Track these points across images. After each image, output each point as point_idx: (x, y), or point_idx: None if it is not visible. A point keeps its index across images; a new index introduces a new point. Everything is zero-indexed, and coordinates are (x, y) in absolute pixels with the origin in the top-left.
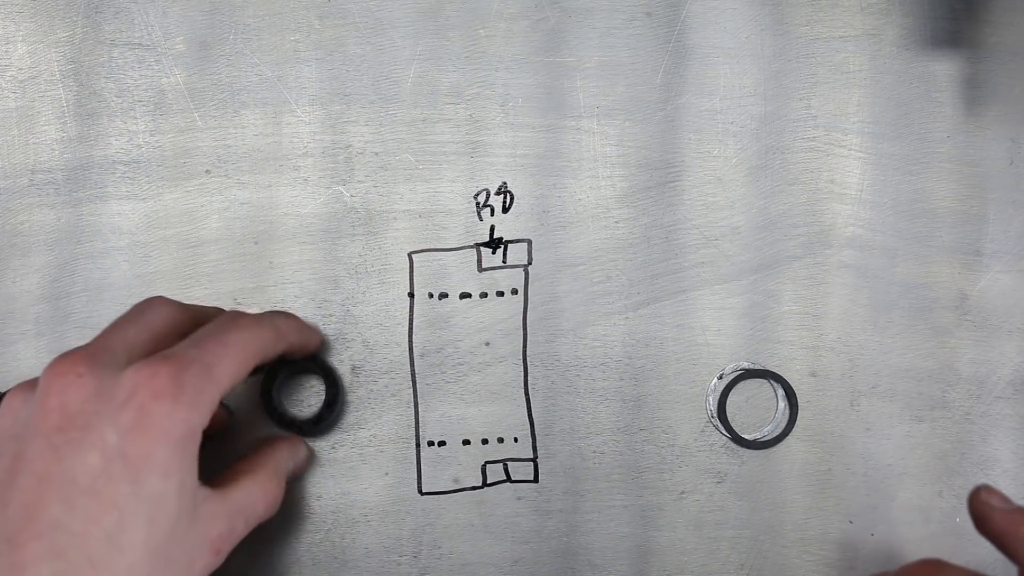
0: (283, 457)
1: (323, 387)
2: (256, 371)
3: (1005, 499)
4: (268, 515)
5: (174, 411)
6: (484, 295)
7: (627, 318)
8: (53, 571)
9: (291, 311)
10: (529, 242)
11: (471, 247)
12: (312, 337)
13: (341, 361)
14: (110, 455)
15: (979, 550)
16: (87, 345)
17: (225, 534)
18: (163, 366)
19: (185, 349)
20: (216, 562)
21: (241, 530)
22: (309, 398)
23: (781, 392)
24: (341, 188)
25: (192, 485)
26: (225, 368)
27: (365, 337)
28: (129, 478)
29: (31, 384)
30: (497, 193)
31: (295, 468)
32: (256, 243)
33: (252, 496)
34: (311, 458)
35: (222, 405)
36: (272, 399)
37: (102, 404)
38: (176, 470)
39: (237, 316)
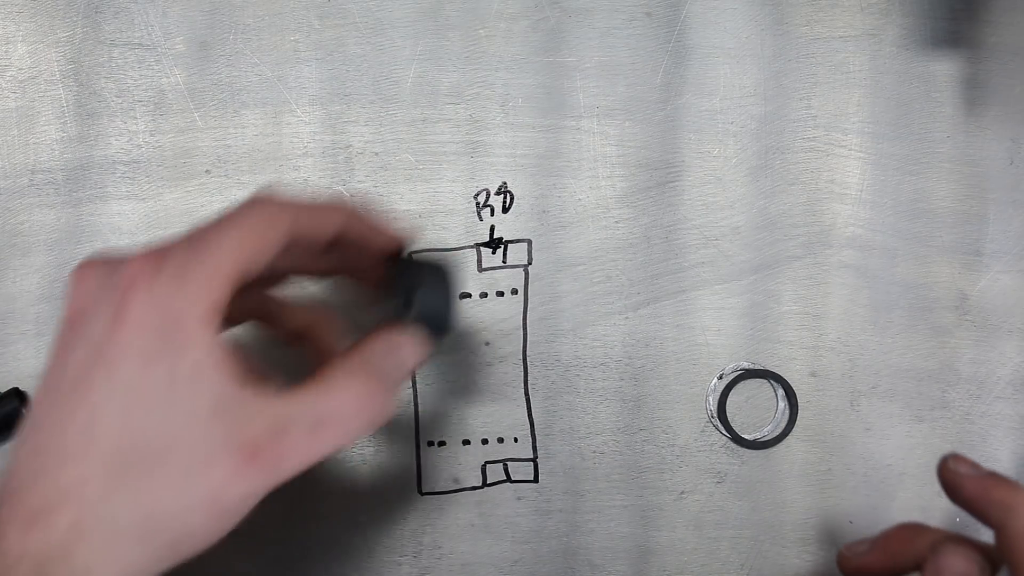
0: (378, 352)
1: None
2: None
3: (974, 465)
4: (355, 425)
5: (150, 296)
6: (484, 295)
7: (627, 318)
8: (32, 470)
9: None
10: (529, 242)
11: (471, 247)
12: (387, 230)
13: None
14: (93, 348)
15: None
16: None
17: (267, 438)
18: (147, 251)
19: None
20: (252, 472)
21: (309, 436)
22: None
23: (781, 392)
24: (341, 188)
25: (203, 377)
26: (225, 243)
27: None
28: (104, 369)
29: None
30: (497, 193)
31: (398, 364)
32: None
33: (321, 398)
34: (419, 353)
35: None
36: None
37: (101, 297)
38: (160, 359)
39: (262, 192)
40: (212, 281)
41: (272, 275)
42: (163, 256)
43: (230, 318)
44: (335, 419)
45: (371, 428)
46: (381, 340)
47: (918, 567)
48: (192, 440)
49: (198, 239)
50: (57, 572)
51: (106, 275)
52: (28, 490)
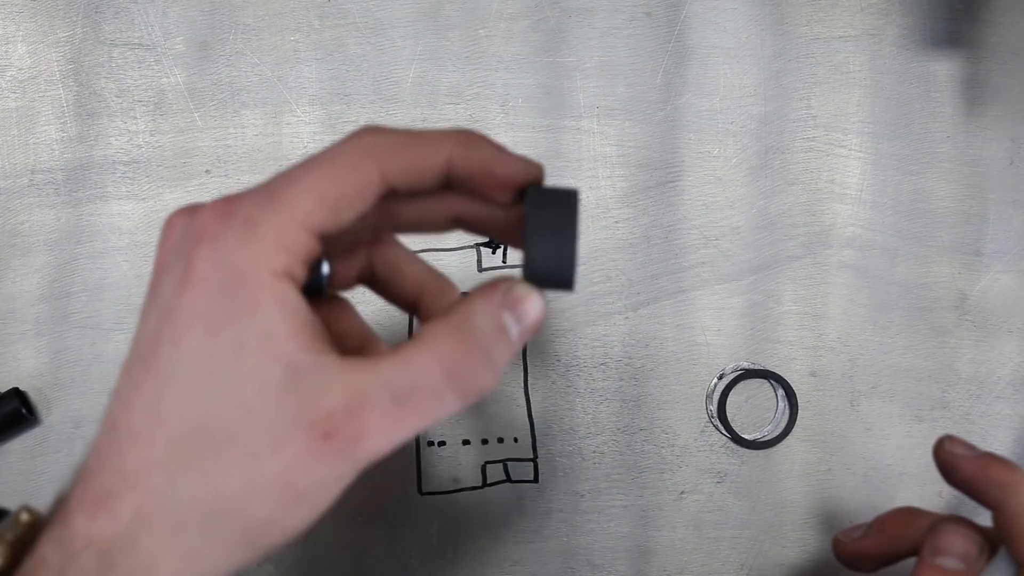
0: (478, 312)
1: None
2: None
3: (970, 446)
4: (445, 399)
5: (213, 251)
6: None
7: (627, 318)
8: (103, 449)
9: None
10: None
11: (471, 247)
12: (508, 161)
13: None
14: (163, 312)
15: None
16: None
17: (343, 414)
18: (219, 201)
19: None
20: (327, 453)
21: (391, 411)
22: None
23: (781, 392)
24: None
25: (272, 344)
26: (301, 190)
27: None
28: (171, 338)
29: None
30: None
31: (502, 326)
32: None
33: (406, 368)
34: (533, 313)
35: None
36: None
37: (177, 253)
38: (226, 325)
39: (362, 129)
40: (284, 234)
41: (377, 228)
42: (232, 205)
43: (335, 282)
44: (421, 392)
45: (465, 403)
46: (483, 297)
47: (915, 551)
48: (261, 418)
49: (274, 186)
50: (121, 563)
51: (187, 226)
52: (98, 471)
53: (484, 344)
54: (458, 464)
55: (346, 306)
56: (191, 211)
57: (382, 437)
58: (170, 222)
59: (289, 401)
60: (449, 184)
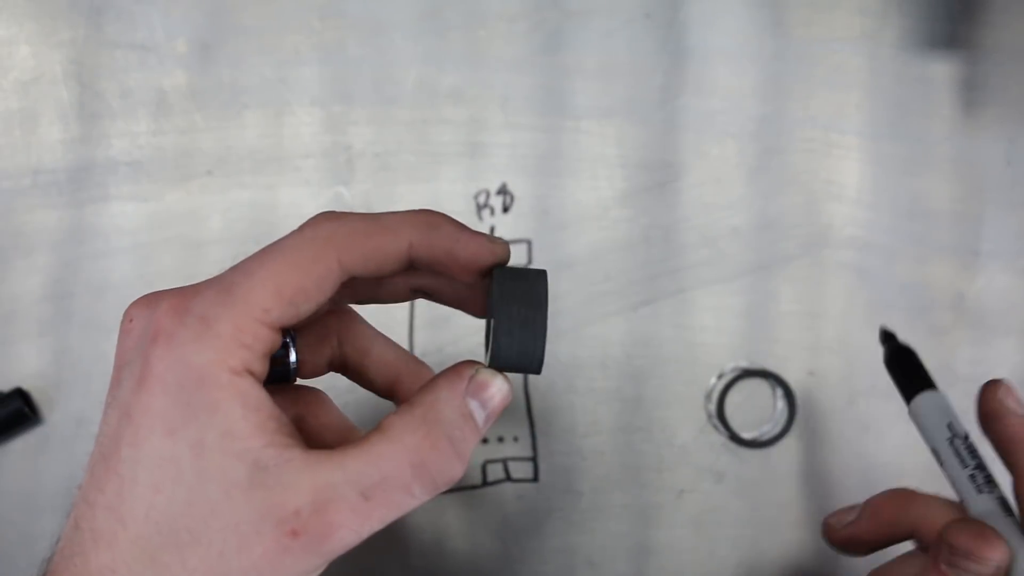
0: (443, 398)
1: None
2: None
3: (1021, 403)
4: (412, 491)
5: (168, 352)
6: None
7: (627, 318)
8: (68, 549)
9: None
10: (529, 242)
11: None
12: (470, 244)
13: None
14: (122, 412)
15: None
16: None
17: (310, 511)
18: (175, 295)
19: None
20: (295, 550)
21: (359, 506)
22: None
23: (780, 391)
24: (342, 188)
25: (235, 443)
26: (258, 283)
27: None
28: (130, 439)
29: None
30: (497, 193)
31: (468, 413)
32: (258, 243)
33: (373, 461)
34: (498, 397)
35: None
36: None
37: (136, 349)
38: (185, 425)
39: (318, 217)
40: (242, 330)
41: (336, 301)
42: (189, 302)
43: (304, 369)
44: (389, 486)
45: (435, 493)
46: (448, 385)
47: (911, 535)
48: (226, 517)
49: (231, 280)
50: None
51: (145, 322)
52: (63, 573)
53: (450, 434)
54: None
55: (321, 398)
56: (149, 304)
57: (350, 532)
58: (128, 315)
59: (255, 499)
60: (412, 265)
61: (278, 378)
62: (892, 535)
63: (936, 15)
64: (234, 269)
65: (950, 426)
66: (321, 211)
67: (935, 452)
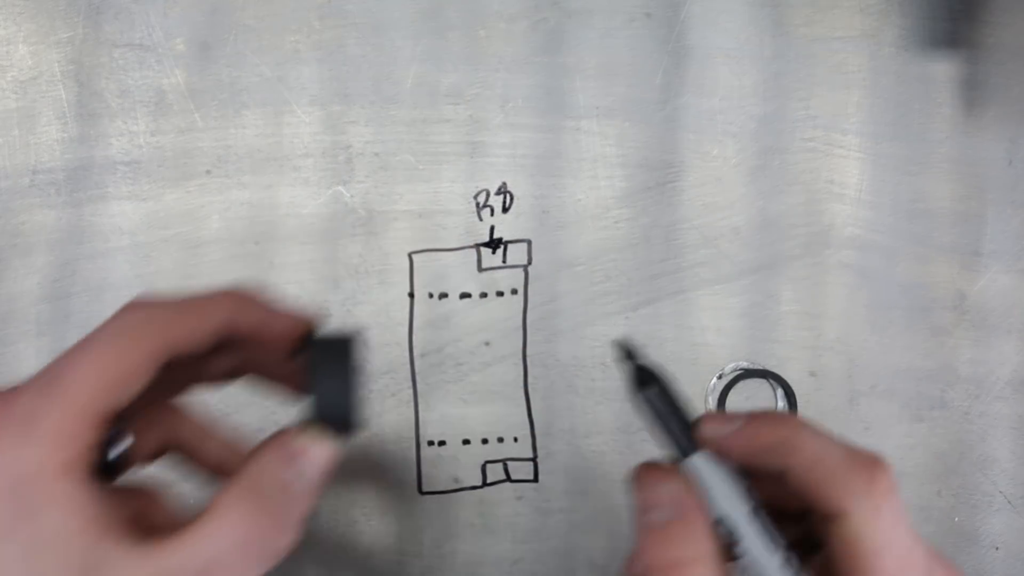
0: (266, 470)
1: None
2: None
3: (729, 418)
4: (245, 567)
5: None
6: (484, 295)
7: (627, 318)
8: None
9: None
10: (529, 242)
11: (471, 247)
12: (280, 317)
13: None
14: None
15: (980, 550)
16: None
17: None
18: None
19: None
20: None
21: None
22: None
23: (780, 392)
24: (341, 188)
25: (66, 541)
26: (78, 378)
27: (365, 337)
28: None
29: None
30: (497, 193)
31: (291, 481)
32: (257, 243)
33: (204, 542)
34: (320, 461)
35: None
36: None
37: None
38: (13, 530)
39: (129, 304)
40: (66, 426)
41: (160, 389)
42: (11, 404)
43: (135, 458)
44: (220, 566)
45: (269, 565)
46: (267, 455)
47: (783, 471)
48: None
49: (52, 374)
50: None
51: None
52: None
53: (273, 506)
54: (458, 464)
55: (153, 495)
56: None
57: None
58: None
59: None
60: (229, 342)
61: (111, 468)
62: (764, 465)
63: (937, 14)
64: (55, 362)
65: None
66: (132, 298)
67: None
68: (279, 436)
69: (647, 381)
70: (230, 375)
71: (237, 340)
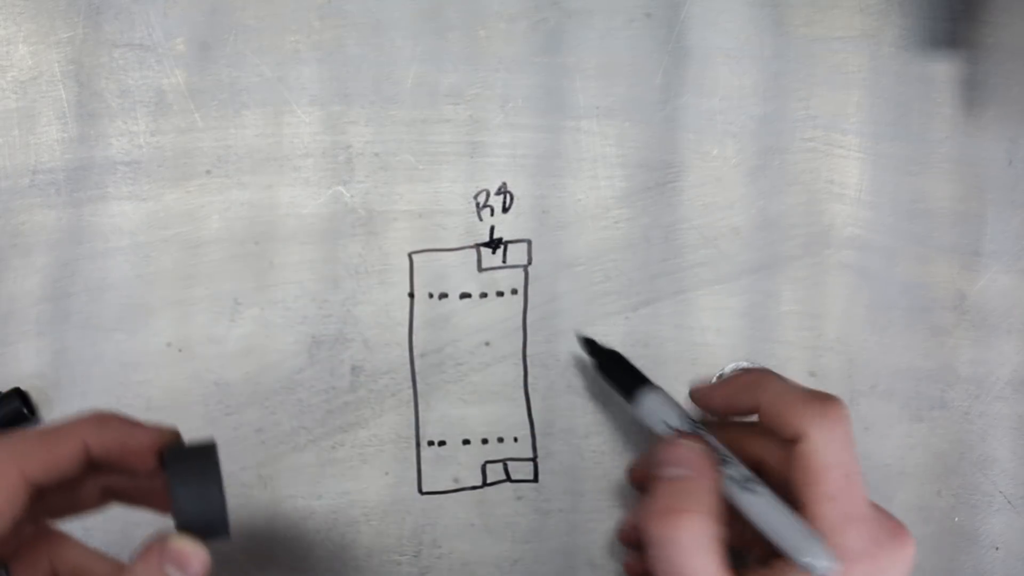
0: (139, 571)
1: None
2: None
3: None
4: None
5: None
6: (484, 295)
7: (627, 318)
8: None
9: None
10: (529, 242)
11: (471, 247)
12: (137, 433)
13: (341, 361)
14: None
15: (980, 551)
16: None
17: None
18: None
19: None
20: None
21: None
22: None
23: None
24: (341, 188)
25: None
26: None
27: (365, 337)
28: None
29: None
30: (497, 193)
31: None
32: (257, 243)
33: None
34: (194, 565)
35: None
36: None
37: None
38: None
39: None
40: None
41: (34, 519)
42: None
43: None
44: None
45: None
46: (141, 559)
47: (755, 410)
48: None
49: None
50: None
51: None
52: None
53: None
54: (458, 464)
55: None
56: None
57: None
58: None
59: None
60: (94, 464)
61: None
62: (740, 406)
63: (937, 14)
64: None
65: (678, 416)
66: None
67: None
68: (151, 543)
69: (599, 354)
70: (104, 497)
71: (103, 462)
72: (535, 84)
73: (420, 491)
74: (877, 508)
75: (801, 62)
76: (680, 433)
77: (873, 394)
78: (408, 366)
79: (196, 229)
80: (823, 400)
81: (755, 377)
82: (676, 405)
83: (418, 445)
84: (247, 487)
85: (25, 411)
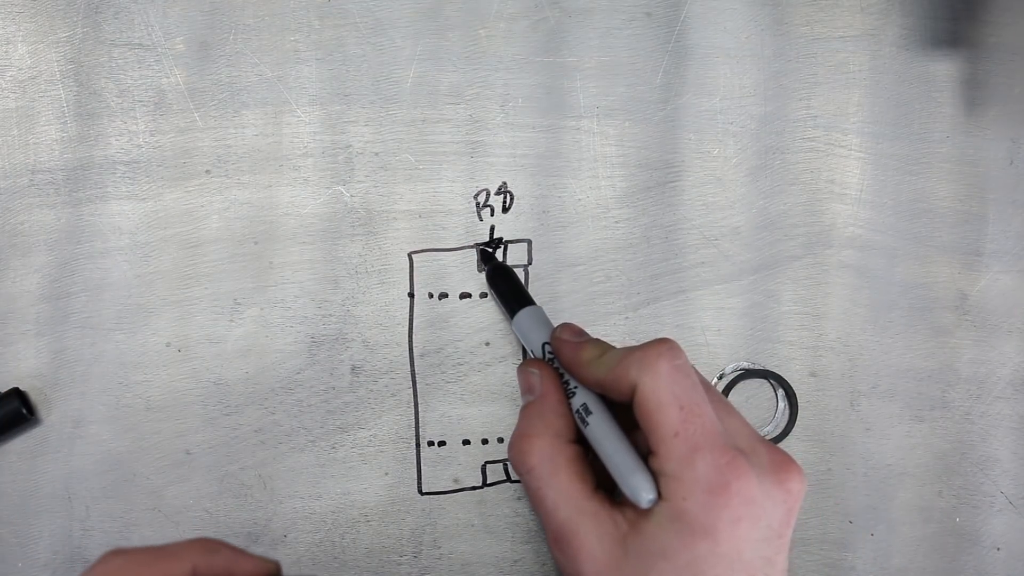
0: None
1: None
2: None
3: (578, 332)
4: None
5: None
6: (484, 295)
7: (627, 318)
8: None
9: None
10: (529, 242)
11: (471, 247)
12: (246, 564)
13: (341, 361)
14: None
15: (981, 551)
16: None
17: None
18: None
19: None
20: None
21: None
22: None
23: (781, 392)
24: (341, 188)
25: None
26: None
27: (365, 337)
28: None
29: None
30: (497, 193)
31: None
32: (256, 243)
33: None
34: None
35: None
36: None
37: None
38: None
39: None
40: None
41: None
42: None
43: None
44: None
45: None
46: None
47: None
48: None
49: None
50: None
51: None
52: None
53: None
54: (458, 464)
55: None
56: None
57: None
58: None
59: None
60: None
61: None
62: (592, 384)
63: (938, 13)
64: None
65: (542, 340)
66: (108, 549)
67: (533, 354)
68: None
69: (489, 263)
70: None
71: None
72: (535, 84)
73: (420, 491)
74: (757, 440)
75: (802, 62)
76: (531, 360)
77: (874, 394)
78: (408, 366)
79: (195, 229)
80: (645, 347)
81: (603, 347)
82: (548, 326)
83: (418, 445)
84: (247, 487)
85: (24, 411)
